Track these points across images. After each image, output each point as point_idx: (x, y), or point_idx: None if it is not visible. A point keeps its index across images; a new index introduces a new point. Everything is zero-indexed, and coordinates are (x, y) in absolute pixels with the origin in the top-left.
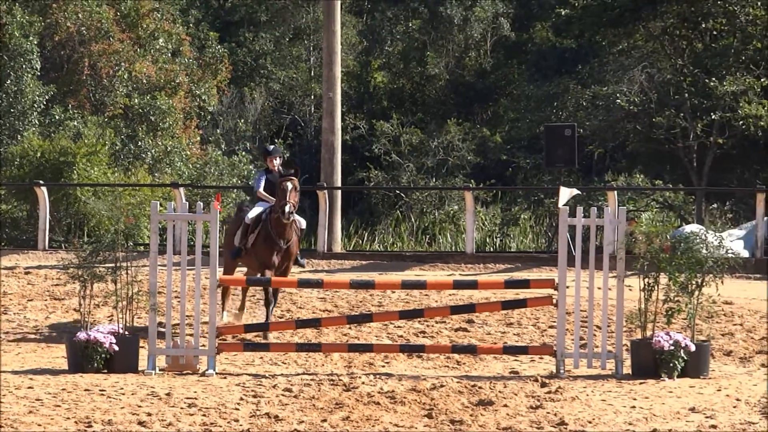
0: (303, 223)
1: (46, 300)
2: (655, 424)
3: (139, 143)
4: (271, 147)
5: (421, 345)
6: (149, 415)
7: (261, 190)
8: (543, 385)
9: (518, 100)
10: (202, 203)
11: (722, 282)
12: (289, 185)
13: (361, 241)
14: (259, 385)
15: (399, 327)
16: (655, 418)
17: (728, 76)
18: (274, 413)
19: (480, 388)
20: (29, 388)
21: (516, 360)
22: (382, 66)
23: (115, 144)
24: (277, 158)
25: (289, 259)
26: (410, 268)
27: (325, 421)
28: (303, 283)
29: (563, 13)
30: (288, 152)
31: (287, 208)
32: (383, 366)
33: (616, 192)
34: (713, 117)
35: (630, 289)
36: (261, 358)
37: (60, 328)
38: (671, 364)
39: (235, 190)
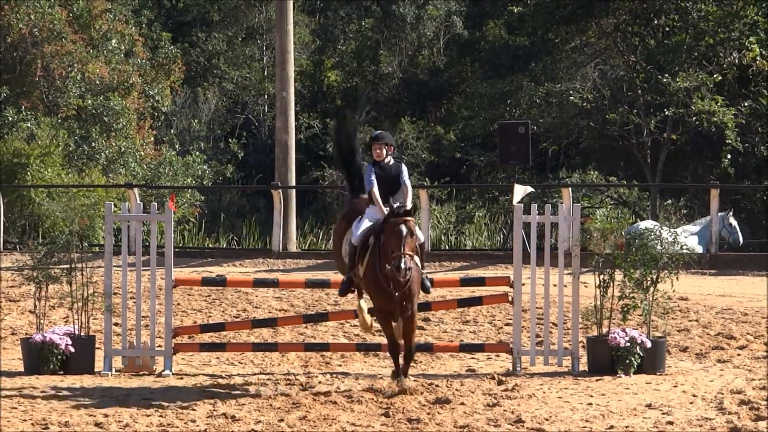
0: (421, 237)
1: (0, 302)
2: (612, 421)
3: (93, 144)
4: (377, 132)
5: (377, 344)
6: (106, 416)
7: (375, 190)
8: (500, 382)
9: (472, 98)
10: (156, 204)
11: (677, 278)
12: (404, 229)
13: (316, 240)
14: (216, 385)
15: (355, 326)
16: (611, 414)
17: (681, 73)
18: (231, 413)
19: (437, 386)
20: None
21: (473, 358)
22: (336, 65)
23: (69, 145)
24: (384, 147)
25: (411, 302)
26: None
27: (282, 420)
28: (258, 283)
29: (516, 10)
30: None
31: (403, 264)
32: (340, 365)
33: (570, 189)
34: (666, 113)
35: (585, 286)
36: (217, 358)
37: (15, 330)
38: (627, 361)
39: (189, 191)
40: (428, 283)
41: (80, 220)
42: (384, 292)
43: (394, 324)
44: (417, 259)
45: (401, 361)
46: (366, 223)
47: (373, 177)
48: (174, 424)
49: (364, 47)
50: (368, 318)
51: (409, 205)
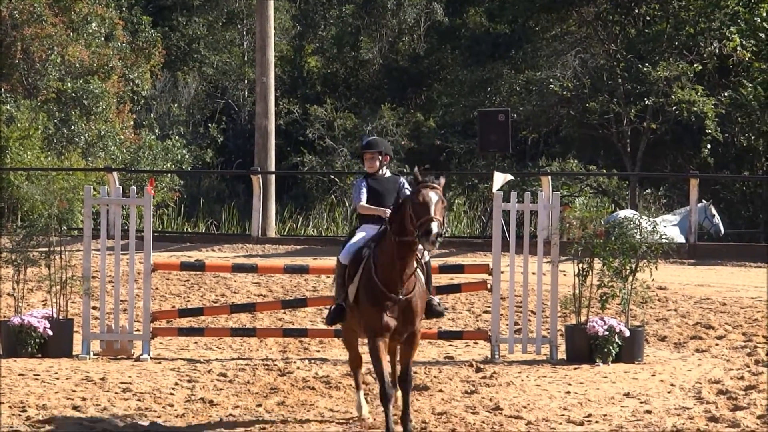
0: (426, 255)
1: None
2: (590, 409)
3: (73, 127)
4: (369, 138)
5: None
6: (84, 399)
7: (363, 202)
8: (478, 370)
9: (452, 85)
10: (135, 188)
11: (656, 267)
12: (434, 196)
13: (295, 226)
14: (194, 369)
15: None
16: (589, 403)
17: (661, 62)
18: (209, 398)
19: (415, 373)
20: None
21: (451, 345)
22: (316, 51)
23: (48, 128)
24: (377, 156)
25: (412, 319)
26: None
27: (260, 405)
28: (237, 268)
29: None
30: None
31: (434, 227)
32: (318, 351)
33: (550, 177)
34: (646, 102)
35: (564, 275)
36: (196, 342)
37: None
38: (606, 350)
39: (169, 175)
40: (439, 307)
41: (59, 204)
42: (380, 303)
43: (387, 356)
44: (422, 279)
45: (397, 394)
46: (358, 239)
47: (364, 191)
48: (152, 408)
49: (344, 33)
50: (365, 410)
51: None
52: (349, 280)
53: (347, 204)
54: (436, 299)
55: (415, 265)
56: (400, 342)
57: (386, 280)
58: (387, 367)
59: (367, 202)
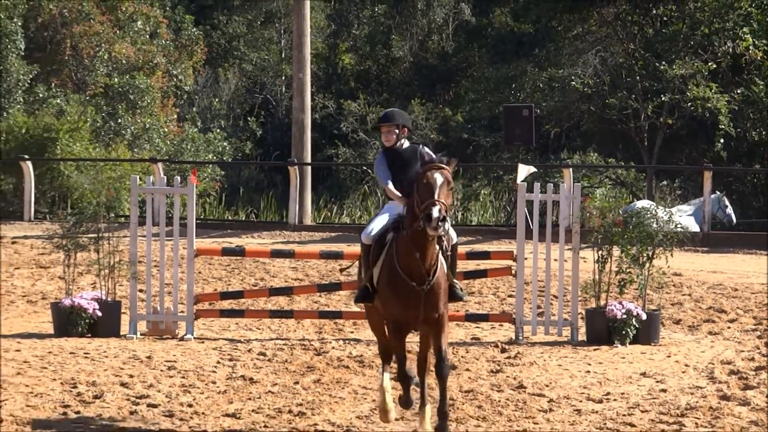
0: (455, 237)
1: (32, 268)
2: (609, 388)
3: (119, 120)
4: (386, 111)
5: None
6: (131, 376)
7: (390, 185)
8: (503, 350)
9: (478, 82)
10: (179, 177)
11: (672, 255)
12: (439, 177)
13: (330, 215)
14: (235, 349)
15: None
16: (608, 382)
17: (677, 60)
18: (250, 376)
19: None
20: (17, 351)
21: (477, 327)
22: (350, 48)
23: (96, 121)
24: (395, 128)
25: (435, 304)
26: None
27: (297, 383)
28: (275, 254)
29: None
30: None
31: (435, 211)
32: (352, 332)
33: (571, 169)
34: (663, 99)
35: (585, 261)
36: (236, 324)
37: (45, 295)
38: (624, 332)
39: (210, 166)
40: (460, 292)
41: (107, 192)
42: (401, 292)
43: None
44: (451, 235)
45: (427, 384)
46: (383, 218)
47: (386, 169)
48: (195, 385)
49: (376, 32)
50: (389, 400)
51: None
52: (373, 261)
53: (379, 194)
54: (459, 284)
55: (437, 250)
56: (427, 328)
57: (408, 270)
58: (403, 355)
59: (392, 178)
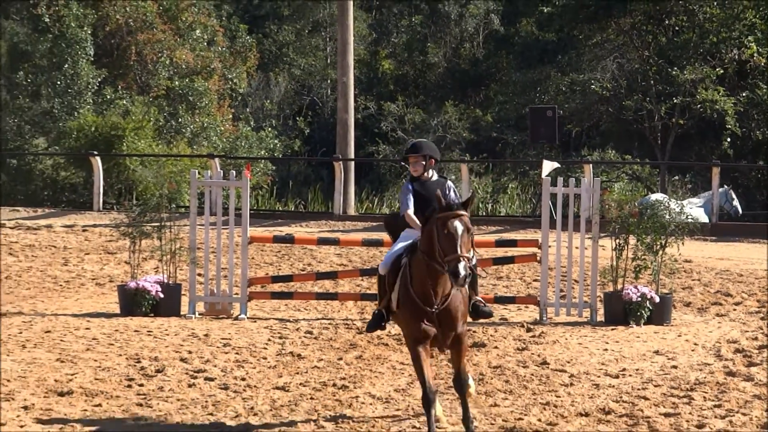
0: (474, 258)
1: (100, 254)
2: (625, 365)
3: (180, 120)
4: (415, 141)
5: None
6: (190, 352)
7: (410, 211)
8: (528, 330)
9: (506, 85)
10: (234, 172)
11: (683, 243)
12: (459, 226)
13: (371, 206)
14: (285, 328)
15: None
16: (624, 359)
17: (688, 66)
18: (297, 352)
19: (474, 332)
20: (87, 329)
21: (505, 308)
22: (389, 55)
23: (159, 120)
24: (423, 160)
25: (452, 325)
26: None
27: (341, 359)
28: (322, 241)
29: (545, 10)
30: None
31: (461, 269)
32: None
33: (591, 165)
34: (675, 101)
35: (603, 249)
36: (286, 305)
37: (113, 278)
38: (638, 313)
39: (262, 161)
40: (485, 308)
41: (169, 185)
42: (418, 313)
43: (430, 361)
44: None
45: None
46: (397, 249)
47: (410, 198)
48: (248, 361)
49: (413, 40)
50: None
51: (464, 197)
52: (390, 288)
53: None
54: (482, 300)
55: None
56: (446, 347)
57: (421, 294)
58: (429, 372)
59: (414, 207)
